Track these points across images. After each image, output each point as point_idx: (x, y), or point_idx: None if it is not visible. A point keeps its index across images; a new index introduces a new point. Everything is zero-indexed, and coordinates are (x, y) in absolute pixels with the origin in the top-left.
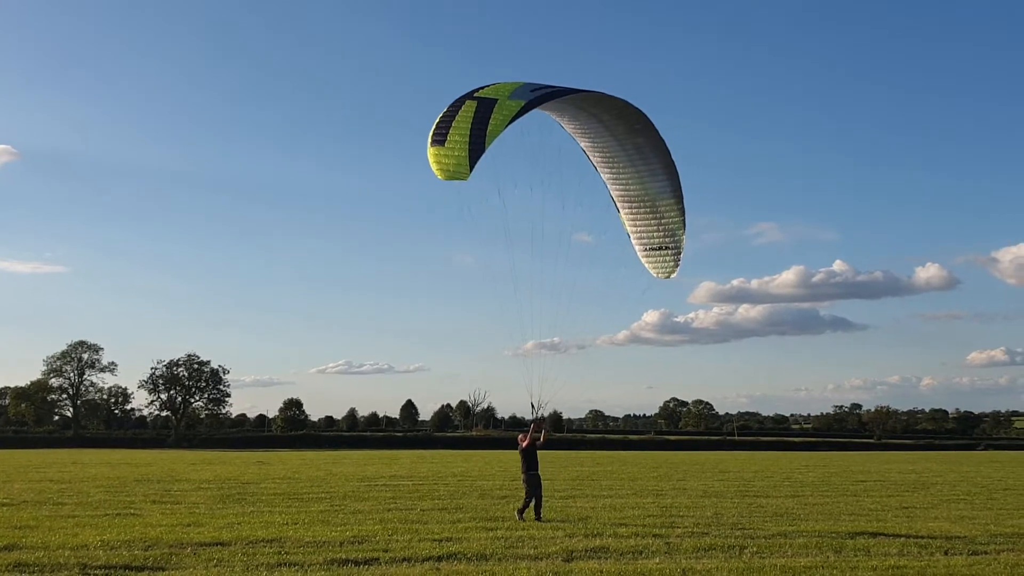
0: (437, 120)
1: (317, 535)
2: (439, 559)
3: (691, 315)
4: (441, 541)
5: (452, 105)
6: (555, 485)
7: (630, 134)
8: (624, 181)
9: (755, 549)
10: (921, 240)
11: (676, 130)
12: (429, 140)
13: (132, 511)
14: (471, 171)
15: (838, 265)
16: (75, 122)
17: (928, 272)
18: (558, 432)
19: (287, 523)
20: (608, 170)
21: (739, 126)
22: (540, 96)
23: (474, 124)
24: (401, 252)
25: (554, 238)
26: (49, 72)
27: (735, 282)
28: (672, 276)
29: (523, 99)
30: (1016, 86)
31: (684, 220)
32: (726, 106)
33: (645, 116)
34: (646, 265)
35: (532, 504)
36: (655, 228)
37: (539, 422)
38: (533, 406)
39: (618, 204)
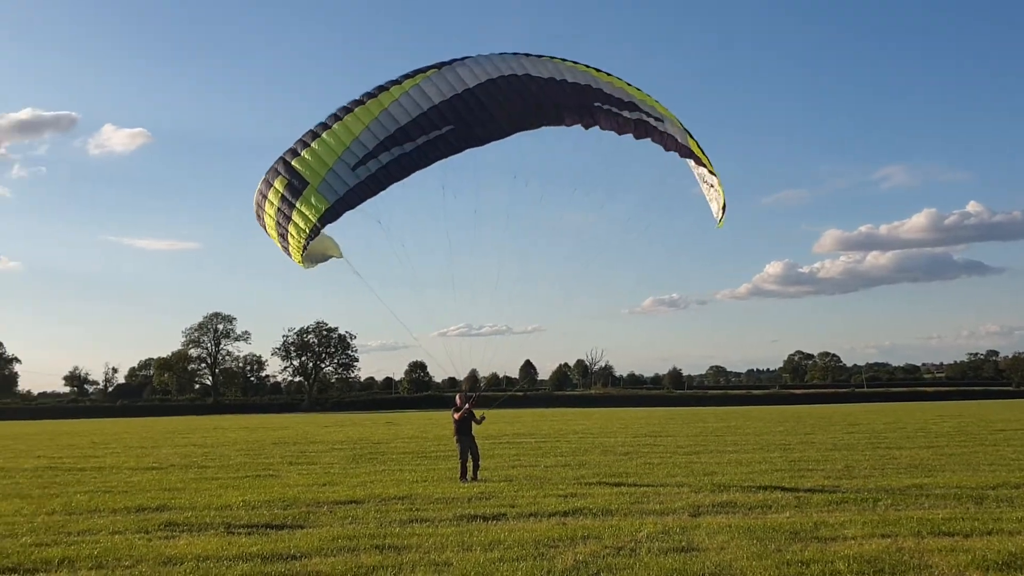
0: (264, 178)
1: (446, 492)
2: (565, 514)
3: (816, 265)
4: (566, 497)
5: (272, 168)
6: (678, 442)
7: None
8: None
9: (890, 502)
10: None
11: (793, 74)
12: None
13: (271, 472)
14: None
15: (972, 206)
16: (203, 104)
17: None
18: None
19: (417, 481)
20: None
21: (858, 66)
22: (361, 186)
23: (278, 223)
24: (514, 216)
25: (674, 190)
26: (178, 57)
27: (862, 229)
28: (719, 219)
29: (328, 197)
30: None
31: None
32: (846, 46)
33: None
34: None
35: (471, 466)
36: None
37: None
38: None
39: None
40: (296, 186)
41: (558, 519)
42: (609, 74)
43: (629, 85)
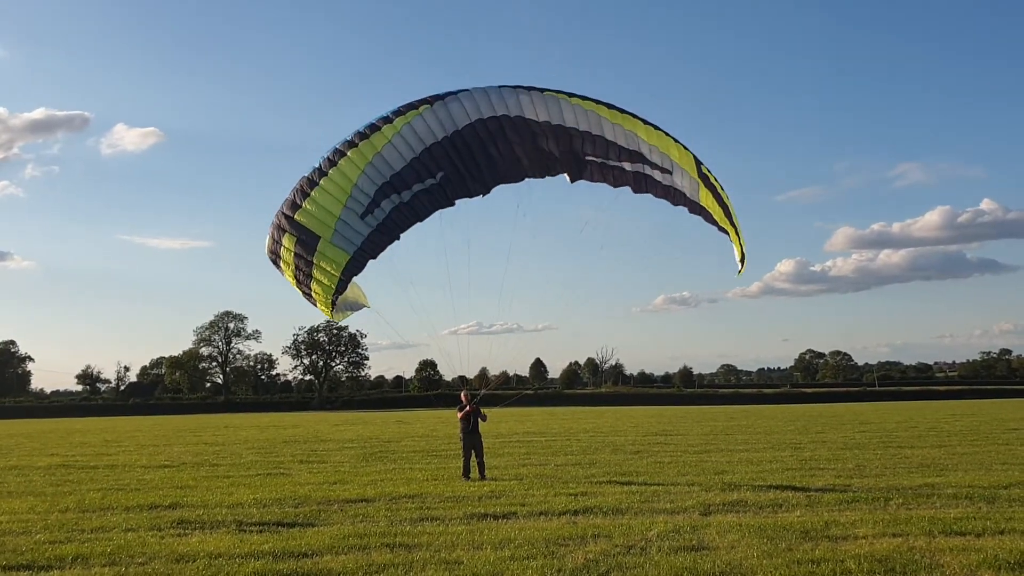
0: (270, 233)
1: (456, 490)
2: (575, 513)
3: (828, 263)
4: (576, 495)
5: (277, 225)
6: (688, 440)
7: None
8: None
9: (901, 501)
10: None
11: (810, 71)
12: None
13: (282, 471)
14: (333, 310)
15: (986, 204)
16: (214, 103)
17: None
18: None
19: (427, 479)
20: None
21: (877, 62)
22: (376, 234)
23: (299, 281)
24: (523, 215)
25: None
26: (189, 56)
27: (875, 226)
28: (740, 269)
29: (346, 248)
30: None
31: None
32: (863, 43)
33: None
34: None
35: (476, 463)
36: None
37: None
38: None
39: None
40: (307, 242)
41: (568, 518)
42: (622, 111)
43: (644, 123)
